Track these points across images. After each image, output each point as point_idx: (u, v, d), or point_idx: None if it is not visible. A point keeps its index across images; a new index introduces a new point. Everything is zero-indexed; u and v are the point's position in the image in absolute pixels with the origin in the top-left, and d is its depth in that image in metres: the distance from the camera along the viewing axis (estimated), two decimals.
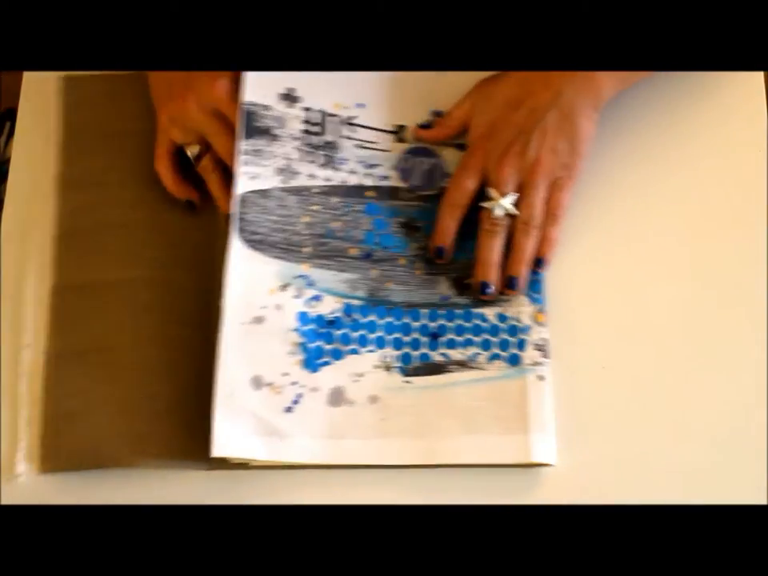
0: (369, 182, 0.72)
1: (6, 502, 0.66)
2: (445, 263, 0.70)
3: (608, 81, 0.69)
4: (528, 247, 0.68)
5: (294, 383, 0.67)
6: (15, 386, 0.68)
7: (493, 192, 0.68)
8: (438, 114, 0.74)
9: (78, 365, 0.68)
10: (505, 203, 0.67)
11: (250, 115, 0.71)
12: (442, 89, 0.74)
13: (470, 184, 0.69)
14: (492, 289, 0.68)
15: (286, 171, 0.71)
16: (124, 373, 0.68)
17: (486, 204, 0.68)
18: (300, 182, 0.72)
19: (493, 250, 0.68)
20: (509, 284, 0.68)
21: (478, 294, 0.68)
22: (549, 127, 0.67)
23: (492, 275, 0.68)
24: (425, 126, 0.73)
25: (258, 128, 0.71)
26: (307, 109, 0.73)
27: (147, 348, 0.68)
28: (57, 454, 0.66)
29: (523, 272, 0.68)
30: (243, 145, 0.70)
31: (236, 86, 0.70)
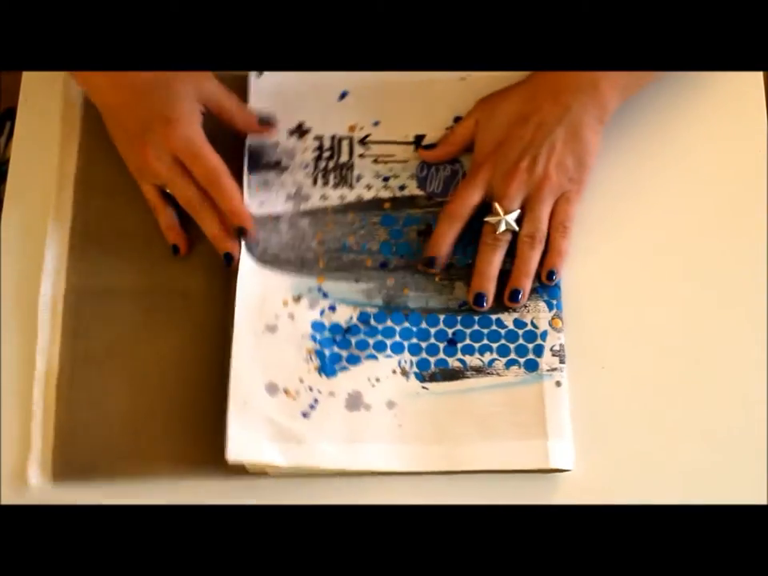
0: (386, 195, 0.72)
1: (13, 501, 0.66)
2: (462, 270, 0.70)
3: (612, 94, 0.69)
4: (533, 260, 0.68)
5: (310, 388, 0.67)
6: (29, 392, 0.68)
7: (498, 207, 0.68)
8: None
9: (92, 371, 0.68)
10: (509, 219, 0.68)
11: (255, 154, 0.72)
12: (462, 96, 0.73)
13: (475, 197, 0.69)
14: (487, 300, 0.68)
15: (296, 196, 0.72)
16: (139, 380, 0.68)
17: (490, 219, 0.68)
18: (312, 204, 0.72)
19: (492, 263, 0.69)
20: (512, 296, 0.68)
21: (473, 305, 0.69)
22: (557, 142, 0.67)
23: (489, 287, 0.68)
24: (428, 147, 0.72)
25: (266, 163, 0.72)
26: (319, 137, 0.73)
27: (163, 355, 0.68)
28: (70, 464, 0.66)
29: (527, 285, 0.68)
30: (248, 178, 0.71)
31: (194, 126, 0.67)
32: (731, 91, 0.75)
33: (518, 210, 0.68)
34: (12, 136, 0.75)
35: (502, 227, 0.68)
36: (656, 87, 0.74)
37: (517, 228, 0.68)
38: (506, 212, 0.68)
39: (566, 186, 0.69)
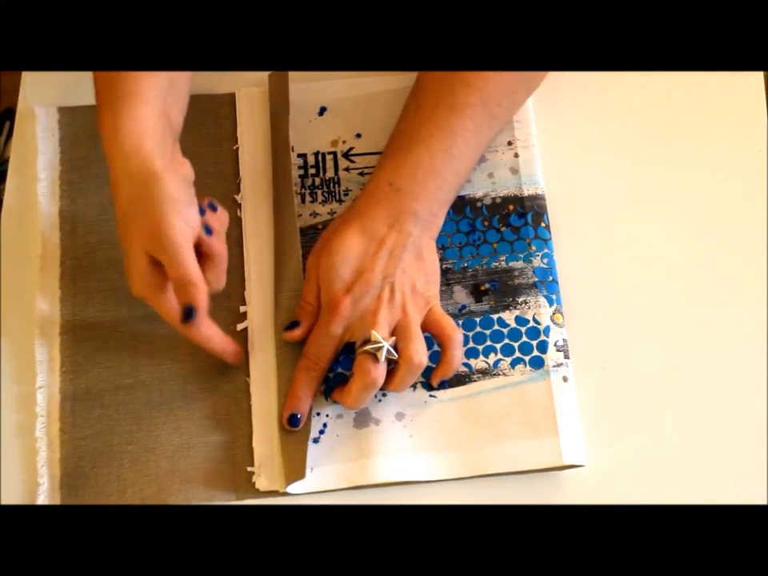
0: None
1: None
2: (458, 273, 0.70)
3: (442, 214, 0.69)
4: (409, 384, 0.66)
5: (317, 414, 0.67)
6: (32, 429, 0.67)
7: (377, 335, 0.64)
8: None
9: (94, 405, 0.68)
10: (389, 346, 0.64)
11: None
12: None
13: (333, 345, 0.66)
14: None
15: None
16: (144, 410, 0.67)
17: (369, 348, 0.64)
18: (303, 222, 0.72)
19: (373, 390, 0.65)
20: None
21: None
22: (407, 267, 0.66)
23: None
24: (290, 328, 0.67)
25: None
26: (302, 155, 0.73)
27: (166, 383, 0.68)
28: (79, 501, 0.65)
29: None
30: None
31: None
32: (731, 91, 0.75)
33: (393, 338, 0.64)
34: (12, 136, 0.75)
35: (384, 356, 0.63)
36: (655, 86, 0.75)
37: (396, 355, 0.64)
38: (383, 339, 0.64)
39: (423, 307, 0.66)
